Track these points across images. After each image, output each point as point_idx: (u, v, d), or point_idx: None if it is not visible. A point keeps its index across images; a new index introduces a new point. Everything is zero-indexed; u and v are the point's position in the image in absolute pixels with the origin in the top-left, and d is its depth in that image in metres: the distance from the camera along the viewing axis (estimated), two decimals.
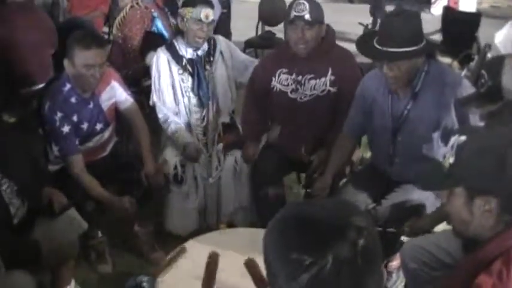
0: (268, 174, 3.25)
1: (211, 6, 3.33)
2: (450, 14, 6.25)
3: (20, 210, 2.55)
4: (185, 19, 3.30)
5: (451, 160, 1.66)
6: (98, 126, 3.16)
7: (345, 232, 1.08)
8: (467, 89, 2.61)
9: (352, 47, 3.36)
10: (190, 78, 3.42)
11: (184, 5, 3.35)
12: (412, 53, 2.56)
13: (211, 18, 3.28)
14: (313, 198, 3.03)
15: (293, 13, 3.02)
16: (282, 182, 3.40)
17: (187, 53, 3.41)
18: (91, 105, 3.10)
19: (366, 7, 7.52)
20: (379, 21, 6.37)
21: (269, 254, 1.15)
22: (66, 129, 2.98)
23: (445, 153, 1.71)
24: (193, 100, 3.45)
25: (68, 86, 3.00)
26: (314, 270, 1.06)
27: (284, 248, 1.11)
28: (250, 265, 2.35)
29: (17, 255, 2.35)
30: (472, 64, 5.51)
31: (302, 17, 2.99)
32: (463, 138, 1.65)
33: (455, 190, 1.66)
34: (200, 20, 3.25)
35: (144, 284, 2.92)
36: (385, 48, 2.57)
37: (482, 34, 5.72)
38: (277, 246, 1.13)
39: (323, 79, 3.16)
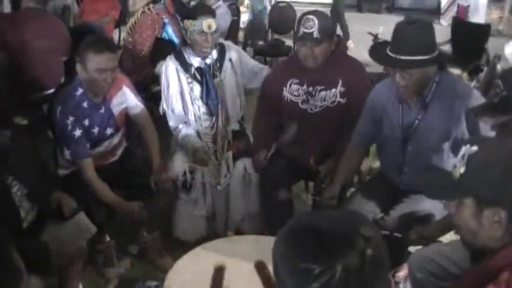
0: (277, 182, 3.25)
1: (213, 15, 3.33)
2: (459, 25, 6.25)
3: (30, 214, 2.57)
4: (189, 32, 3.31)
5: (462, 170, 1.66)
6: (108, 131, 3.18)
7: (353, 242, 1.10)
8: (478, 99, 2.60)
9: (361, 56, 3.37)
10: (198, 87, 3.42)
11: (186, 17, 3.34)
12: (425, 61, 2.56)
13: (214, 27, 3.26)
14: (321, 207, 3.03)
15: (302, 29, 3.01)
16: (290, 190, 3.40)
17: (195, 61, 3.42)
18: (102, 110, 3.12)
19: (375, 16, 7.55)
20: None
21: (278, 263, 1.16)
22: (78, 133, 3.00)
23: (455, 163, 1.71)
24: (203, 108, 3.46)
25: (80, 90, 3.03)
26: (323, 279, 1.08)
27: (293, 257, 1.13)
28: (259, 267, 2.37)
29: (25, 258, 2.36)
30: (481, 75, 5.51)
31: (311, 34, 2.98)
32: (474, 148, 1.65)
33: (464, 200, 1.66)
34: (203, 32, 3.25)
35: None
36: (398, 56, 2.57)
37: (491, 45, 5.72)
38: (287, 256, 1.15)
39: (333, 90, 3.16)
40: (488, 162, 1.62)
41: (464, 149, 1.66)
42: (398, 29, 2.63)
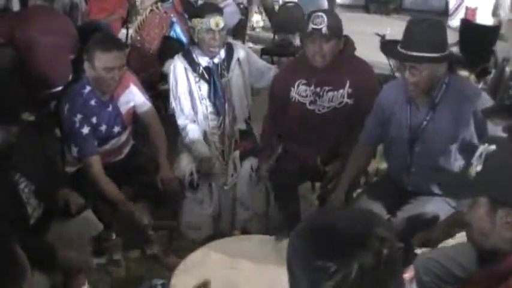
0: (284, 183, 3.25)
1: (220, 13, 3.33)
2: (467, 27, 6.22)
3: (37, 210, 2.57)
4: (196, 30, 3.30)
5: (478, 168, 1.65)
6: (116, 129, 3.18)
7: (369, 242, 1.11)
8: (487, 102, 2.59)
9: (368, 57, 3.37)
10: (206, 86, 3.43)
11: (193, 16, 3.35)
12: (435, 58, 2.56)
13: (221, 25, 3.27)
14: (328, 207, 3.02)
15: (311, 25, 3.01)
16: (297, 191, 3.40)
17: (203, 61, 3.42)
18: (109, 108, 3.12)
19: (382, 17, 7.54)
20: None
21: (293, 262, 1.16)
22: (85, 130, 3.01)
23: (472, 161, 1.70)
24: (210, 108, 3.46)
25: (88, 88, 3.03)
26: (338, 277, 1.08)
27: (309, 254, 1.13)
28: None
29: (31, 255, 2.36)
30: (489, 78, 5.49)
31: (319, 31, 2.99)
32: (492, 147, 1.64)
33: (478, 199, 1.65)
34: (211, 29, 3.25)
35: None
36: (408, 52, 2.57)
37: (499, 47, 5.70)
38: (303, 253, 1.15)
39: (341, 91, 3.16)
40: (507, 163, 1.61)
41: (482, 148, 1.65)
42: (410, 26, 2.63)
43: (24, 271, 1.42)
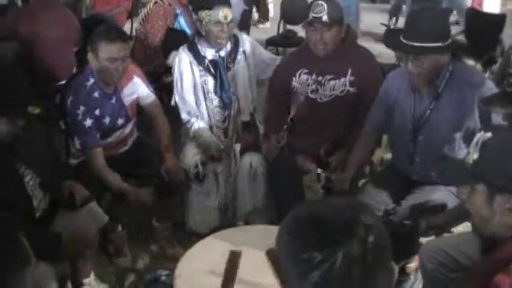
0: (288, 173, 3.24)
1: (229, 5, 3.29)
2: (474, 15, 6.17)
3: (42, 203, 2.58)
4: (204, 22, 3.26)
5: (475, 156, 1.65)
6: (120, 121, 3.18)
7: (354, 230, 1.10)
8: (491, 90, 2.58)
9: (374, 47, 3.36)
10: (212, 80, 3.41)
11: (200, 8, 3.29)
12: (437, 49, 2.54)
13: (230, 17, 3.24)
14: (333, 193, 3.02)
15: (311, 14, 3.02)
16: (301, 181, 3.39)
17: (209, 54, 3.39)
18: (113, 100, 3.12)
19: (388, 7, 7.49)
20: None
21: (282, 253, 1.17)
22: (88, 122, 3.01)
23: (469, 149, 1.70)
24: (215, 101, 3.44)
25: (91, 80, 3.03)
26: (324, 267, 1.08)
27: (295, 246, 1.13)
28: (271, 254, 2.38)
29: (38, 247, 2.38)
30: (495, 66, 5.45)
31: (320, 19, 2.99)
32: (488, 135, 1.64)
33: (476, 186, 1.65)
34: (219, 22, 3.22)
35: (163, 278, 2.95)
36: (410, 43, 2.56)
37: (506, 36, 5.64)
38: (289, 246, 1.15)
39: (343, 79, 3.15)
40: (502, 149, 1.61)
41: (479, 136, 1.66)
42: (411, 16, 2.62)
43: (28, 259, 1.44)
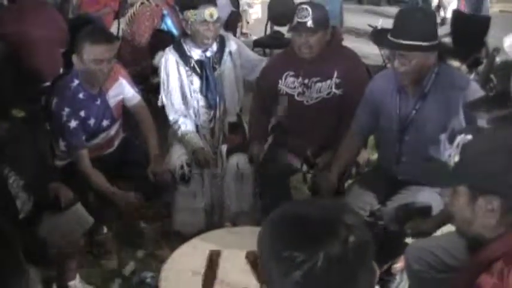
0: (274, 174, 3.25)
1: (214, 4, 3.28)
2: (460, 17, 6.22)
3: (26, 204, 2.56)
4: (190, 22, 3.25)
5: (456, 159, 1.66)
6: (105, 123, 3.17)
7: (335, 230, 1.11)
8: (476, 92, 2.60)
9: (360, 48, 3.37)
10: (198, 80, 3.40)
11: (186, 7, 3.28)
12: (424, 47, 2.57)
13: (216, 16, 3.23)
14: (319, 195, 3.03)
15: (296, 19, 3.02)
16: (288, 182, 3.40)
17: (195, 54, 3.39)
18: (98, 102, 3.11)
19: (375, 8, 7.53)
20: None
21: (263, 253, 1.17)
22: (73, 124, 2.99)
23: (449, 152, 1.71)
24: (201, 102, 3.44)
25: (76, 81, 3.02)
26: (305, 267, 1.08)
27: (276, 246, 1.14)
28: (250, 258, 2.38)
29: (22, 249, 2.36)
30: (481, 68, 5.49)
31: (305, 24, 2.99)
32: (469, 137, 1.65)
33: (458, 188, 1.66)
34: (205, 21, 3.21)
35: (148, 280, 2.94)
36: (398, 40, 2.58)
37: (491, 39, 5.70)
38: (270, 245, 1.16)
39: (329, 82, 3.16)
40: (483, 151, 1.62)
41: (459, 138, 1.67)
42: (400, 15, 2.64)
43: (24, 273, 1.44)
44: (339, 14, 6.23)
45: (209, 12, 3.19)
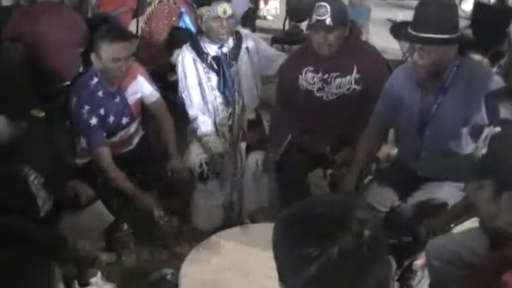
0: (293, 171, 3.23)
1: (228, 0, 3.29)
2: (481, 9, 6.13)
3: (47, 203, 2.58)
4: (204, 18, 3.28)
5: (483, 151, 1.62)
6: (124, 120, 3.19)
7: (348, 224, 1.10)
8: (498, 85, 2.56)
9: (380, 43, 3.33)
10: (215, 76, 3.41)
11: (200, 4, 3.32)
12: (445, 40, 2.52)
13: (229, 12, 3.24)
14: (339, 191, 3.01)
15: (314, 16, 2.99)
16: (306, 179, 3.38)
17: (212, 50, 3.39)
18: (117, 99, 3.12)
19: (399, 2, 7.44)
20: None
21: (277, 250, 1.17)
22: (93, 121, 3.01)
23: (477, 145, 1.68)
24: (219, 98, 3.44)
25: (95, 79, 3.04)
26: (320, 262, 1.08)
27: (290, 242, 1.13)
28: None
29: (43, 247, 2.38)
30: (503, 61, 5.40)
31: (323, 22, 2.96)
32: (497, 129, 1.62)
33: (484, 182, 1.63)
34: (219, 17, 3.22)
35: (169, 277, 2.95)
36: (418, 33, 2.53)
37: None
38: (284, 242, 1.15)
39: (348, 77, 3.13)
40: (511, 145, 1.58)
41: (487, 130, 1.63)
42: (420, 8, 2.59)
43: (53, 276, 1.47)
44: (368, 11, 6.19)
45: (222, 9, 3.21)
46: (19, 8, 4.66)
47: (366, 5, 6.19)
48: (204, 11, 3.25)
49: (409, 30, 2.59)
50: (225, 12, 3.21)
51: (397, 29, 2.79)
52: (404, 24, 2.73)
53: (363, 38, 4.53)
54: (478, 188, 1.66)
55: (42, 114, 2.40)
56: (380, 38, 5.95)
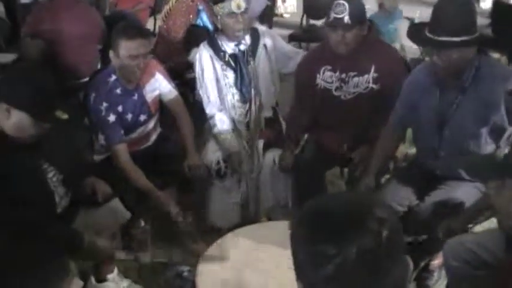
0: (310, 169, 3.23)
1: None
2: (500, 7, 6.05)
3: (64, 199, 2.60)
4: (219, 16, 3.27)
5: (506, 151, 1.61)
6: (142, 118, 3.20)
7: (367, 223, 1.10)
8: None
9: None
10: (232, 74, 3.40)
11: (215, 2, 3.30)
12: (464, 42, 2.48)
13: (243, 7, 3.21)
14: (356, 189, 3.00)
15: (332, 15, 2.96)
16: (323, 177, 3.37)
17: (229, 48, 3.39)
18: (135, 97, 3.14)
19: (413, 1, 7.38)
20: None
21: (295, 247, 1.17)
22: (112, 118, 3.03)
23: (499, 144, 1.66)
24: (236, 96, 3.44)
25: (113, 77, 3.05)
26: (338, 260, 1.08)
27: (309, 240, 1.14)
28: None
29: (59, 242, 2.40)
30: None
31: (341, 20, 2.93)
32: None
33: (505, 182, 1.61)
34: (233, 12, 3.20)
35: (185, 274, 2.96)
36: (436, 37, 2.50)
37: None
38: (303, 239, 1.15)
39: (366, 76, 3.12)
40: None
41: (510, 130, 1.62)
42: (437, 8, 2.55)
43: (67, 272, 1.49)
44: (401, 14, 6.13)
45: (236, 4, 3.19)
46: (38, 5, 4.68)
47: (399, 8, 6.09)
48: (219, 8, 3.24)
49: (427, 33, 2.55)
50: (239, 7, 3.19)
51: (415, 33, 2.74)
52: (421, 25, 2.69)
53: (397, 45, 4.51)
54: (499, 188, 1.64)
55: (65, 116, 2.41)
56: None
